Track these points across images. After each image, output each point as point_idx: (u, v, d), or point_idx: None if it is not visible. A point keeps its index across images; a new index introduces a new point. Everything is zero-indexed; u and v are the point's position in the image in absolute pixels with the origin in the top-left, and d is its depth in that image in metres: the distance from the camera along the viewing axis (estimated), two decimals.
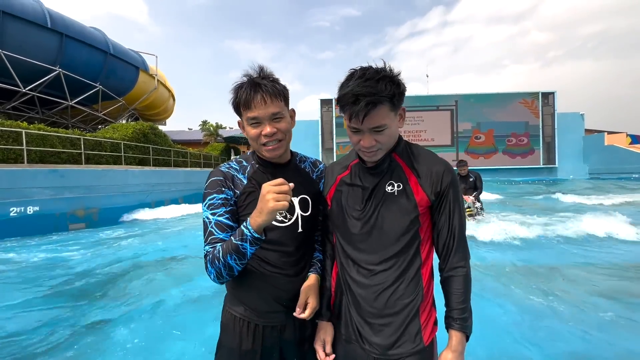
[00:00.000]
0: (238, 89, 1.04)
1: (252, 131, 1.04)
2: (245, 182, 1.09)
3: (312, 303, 1.04)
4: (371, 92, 0.87)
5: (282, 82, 1.08)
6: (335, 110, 27.52)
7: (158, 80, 20.36)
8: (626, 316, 2.91)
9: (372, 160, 1.00)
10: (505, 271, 4.21)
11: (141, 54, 19.62)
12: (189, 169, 16.05)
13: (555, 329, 2.76)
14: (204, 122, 34.21)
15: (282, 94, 1.05)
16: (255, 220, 0.90)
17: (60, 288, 4.01)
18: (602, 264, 4.44)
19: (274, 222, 1.07)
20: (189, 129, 40.66)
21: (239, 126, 1.13)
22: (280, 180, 0.90)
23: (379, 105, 0.89)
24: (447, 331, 1.00)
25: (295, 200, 1.11)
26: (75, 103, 15.64)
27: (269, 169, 1.13)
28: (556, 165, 27.30)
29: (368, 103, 0.87)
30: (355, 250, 1.04)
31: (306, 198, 1.14)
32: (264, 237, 0.93)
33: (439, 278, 1.06)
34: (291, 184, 0.91)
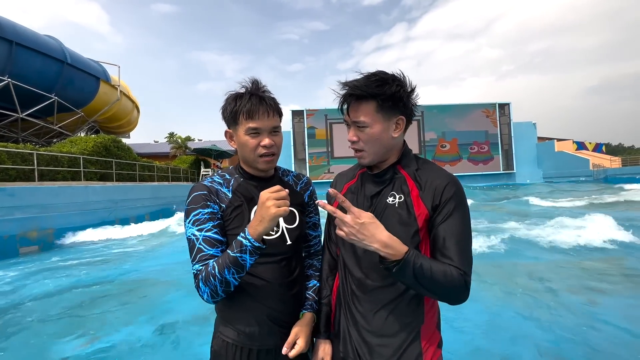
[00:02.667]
0: (237, 98, 1.04)
1: (251, 141, 1.03)
2: (230, 195, 1.07)
3: (301, 345, 1.01)
4: (355, 85, 0.92)
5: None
6: (306, 121, 27.72)
7: (121, 91, 19.44)
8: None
9: (361, 163, 1.03)
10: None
11: (102, 63, 18.68)
12: (156, 183, 15.30)
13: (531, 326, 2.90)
14: (171, 134, 32.96)
15: (279, 110, 1.08)
16: (255, 229, 0.88)
17: (4, 326, 3.51)
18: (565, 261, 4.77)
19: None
20: (155, 141, 38.91)
21: (226, 136, 1.11)
22: (277, 187, 0.90)
23: (363, 100, 0.92)
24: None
25: None
26: (26, 115, 14.48)
27: (254, 182, 1.12)
28: (514, 171, 29.27)
29: (350, 94, 0.93)
30: (355, 262, 1.02)
31: (292, 210, 1.13)
32: (264, 246, 0.91)
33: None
34: (287, 190, 0.91)
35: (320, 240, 1.28)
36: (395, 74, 0.94)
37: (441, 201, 0.92)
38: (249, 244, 0.88)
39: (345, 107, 0.97)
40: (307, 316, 1.09)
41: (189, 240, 0.99)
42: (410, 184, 0.98)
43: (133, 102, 22.56)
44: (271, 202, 0.86)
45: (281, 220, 1.10)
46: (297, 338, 1.02)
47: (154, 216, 12.59)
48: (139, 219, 11.69)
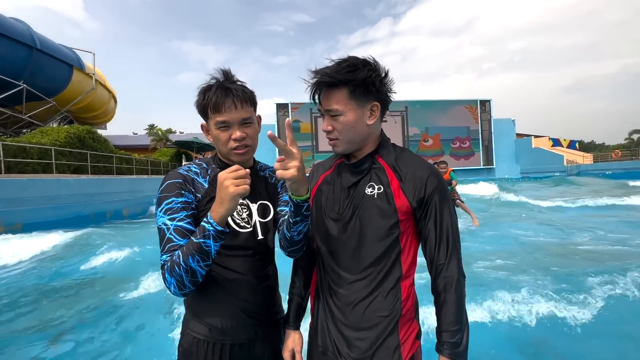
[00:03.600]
0: (206, 91, 1.00)
1: (222, 135, 1.01)
2: (206, 185, 1.04)
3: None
4: (325, 72, 0.89)
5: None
6: (291, 115, 27.47)
7: (96, 79, 18.58)
8: None
9: (335, 152, 1.00)
10: None
11: (76, 50, 17.79)
12: (134, 176, 14.79)
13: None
14: (151, 126, 31.92)
15: (251, 99, 1.04)
16: (217, 212, 0.85)
17: None
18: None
19: (235, 228, 1.03)
20: (134, 133, 37.64)
21: (202, 129, 1.09)
22: (235, 166, 0.87)
23: (334, 88, 0.90)
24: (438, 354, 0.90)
25: (254, 207, 1.09)
26: None
27: None
28: (494, 166, 30.15)
29: (319, 82, 0.90)
30: (332, 255, 1.00)
31: (266, 204, 1.11)
32: (227, 230, 0.88)
33: (430, 287, 0.97)
34: (247, 170, 0.87)
35: None
36: (367, 59, 0.91)
37: (426, 194, 0.92)
38: (211, 228, 0.84)
39: (317, 96, 0.94)
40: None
41: (159, 229, 0.94)
42: (390, 174, 0.96)
43: (110, 91, 21.65)
44: (229, 181, 0.83)
45: (255, 212, 1.08)
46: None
47: (133, 209, 12.18)
48: (116, 213, 11.29)
